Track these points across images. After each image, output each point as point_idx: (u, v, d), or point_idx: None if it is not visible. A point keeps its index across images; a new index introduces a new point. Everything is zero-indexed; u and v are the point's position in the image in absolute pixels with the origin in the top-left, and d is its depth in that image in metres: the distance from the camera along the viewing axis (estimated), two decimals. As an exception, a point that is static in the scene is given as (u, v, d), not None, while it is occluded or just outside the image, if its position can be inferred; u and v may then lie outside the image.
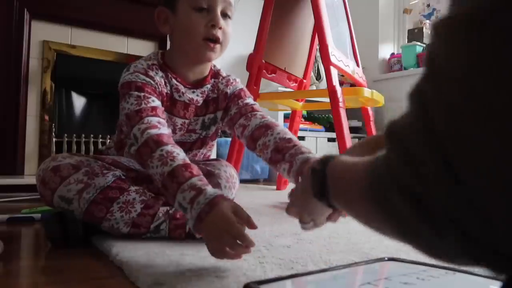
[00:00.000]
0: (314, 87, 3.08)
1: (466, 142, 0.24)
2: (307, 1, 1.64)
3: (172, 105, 0.96)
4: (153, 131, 0.79)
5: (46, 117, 2.10)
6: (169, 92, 0.95)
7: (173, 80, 0.96)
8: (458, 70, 0.25)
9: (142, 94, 0.86)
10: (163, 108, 0.90)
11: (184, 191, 0.71)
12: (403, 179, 0.28)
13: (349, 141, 1.49)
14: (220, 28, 0.91)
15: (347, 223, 1.13)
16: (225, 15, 0.93)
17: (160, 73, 0.94)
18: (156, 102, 0.87)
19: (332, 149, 3.05)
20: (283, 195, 1.74)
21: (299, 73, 2.05)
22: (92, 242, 0.86)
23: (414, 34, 3.11)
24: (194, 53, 0.94)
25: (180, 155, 0.78)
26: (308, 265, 0.70)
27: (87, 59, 2.20)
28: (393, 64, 3.23)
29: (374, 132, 1.95)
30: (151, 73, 0.91)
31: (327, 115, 3.16)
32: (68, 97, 2.25)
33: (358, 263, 0.65)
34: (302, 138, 2.85)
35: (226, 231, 0.64)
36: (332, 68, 1.46)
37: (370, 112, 2.01)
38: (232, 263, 0.69)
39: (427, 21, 3.16)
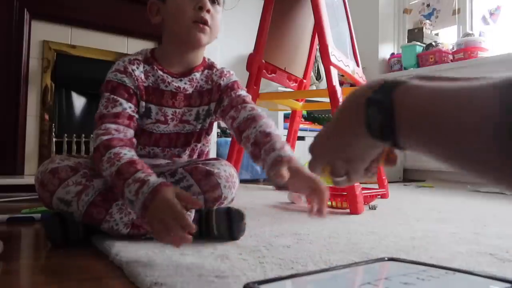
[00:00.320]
0: (314, 87, 3.08)
1: None
2: (307, 1, 1.64)
3: (159, 95, 0.97)
4: (105, 137, 0.83)
5: (46, 117, 2.10)
6: (152, 84, 0.97)
7: (159, 71, 0.97)
8: None
9: (112, 97, 0.90)
10: (129, 110, 0.91)
11: (130, 185, 0.75)
12: None
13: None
14: (208, 11, 0.93)
15: (347, 223, 1.14)
16: (213, 0, 0.96)
17: (142, 67, 0.96)
18: (123, 106, 0.90)
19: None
20: (283, 195, 1.74)
21: (299, 73, 2.05)
22: (92, 242, 0.86)
23: (414, 34, 3.11)
24: (185, 36, 0.95)
25: (127, 154, 0.81)
26: (308, 265, 0.70)
27: (87, 59, 2.20)
28: (393, 64, 3.23)
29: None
30: (130, 69, 0.94)
31: (327, 115, 3.15)
32: (68, 97, 2.24)
33: (358, 263, 0.65)
34: (302, 138, 2.85)
35: (167, 214, 0.69)
36: (332, 68, 1.46)
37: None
38: (232, 263, 0.69)
39: (427, 21, 3.16)
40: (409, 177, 3.04)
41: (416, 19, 3.26)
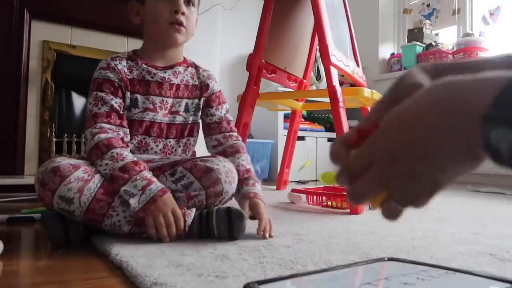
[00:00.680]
0: (314, 87, 3.08)
1: None
2: (307, 1, 1.64)
3: (146, 86, 1.04)
4: (103, 136, 0.93)
5: (46, 117, 2.10)
6: (137, 76, 1.04)
7: (143, 65, 1.05)
8: None
9: (100, 95, 0.98)
10: (117, 106, 0.99)
11: (136, 181, 0.86)
12: None
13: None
14: (183, 13, 1.02)
15: (347, 223, 1.14)
16: (188, 2, 1.04)
17: (125, 62, 1.04)
18: (111, 103, 0.98)
19: (332, 149, 3.04)
20: (283, 195, 1.74)
21: (299, 73, 2.05)
22: (92, 242, 0.86)
23: (414, 34, 3.11)
24: (162, 37, 1.04)
25: (129, 156, 0.92)
26: (308, 265, 0.70)
27: (87, 59, 2.20)
28: (393, 64, 3.23)
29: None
30: (113, 64, 1.02)
31: (327, 115, 3.15)
32: (68, 97, 2.24)
33: (358, 263, 0.65)
34: (302, 138, 2.85)
35: (172, 210, 0.86)
36: (332, 68, 1.46)
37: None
38: (232, 263, 0.69)
39: (427, 21, 3.16)
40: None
41: (416, 19, 3.26)
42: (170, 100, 1.07)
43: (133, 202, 0.85)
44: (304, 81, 2.09)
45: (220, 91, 1.16)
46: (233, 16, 3.03)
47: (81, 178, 0.86)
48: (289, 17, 1.89)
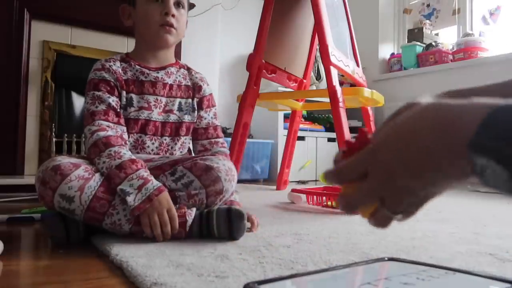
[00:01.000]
0: (314, 87, 3.08)
1: None
2: (307, 1, 1.64)
3: (140, 85, 1.06)
4: (102, 133, 0.94)
5: (46, 117, 2.10)
6: (131, 77, 1.06)
7: (137, 66, 1.08)
8: None
9: (96, 94, 1.00)
10: (114, 104, 1.00)
11: (132, 180, 0.87)
12: None
13: (349, 141, 1.48)
14: (173, 16, 1.04)
15: (347, 223, 1.14)
16: (178, 4, 1.06)
17: (119, 63, 1.06)
18: (108, 101, 1.00)
19: (332, 149, 3.05)
20: (283, 195, 1.74)
21: (299, 73, 2.05)
22: (92, 242, 0.86)
23: (414, 34, 3.11)
24: (154, 38, 1.06)
25: (127, 154, 0.92)
26: (308, 265, 0.70)
27: (87, 59, 2.20)
28: (393, 64, 3.23)
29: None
30: (108, 65, 1.04)
31: (327, 115, 3.15)
32: (68, 97, 2.25)
33: (358, 263, 0.65)
34: (302, 138, 2.85)
35: (168, 210, 0.86)
36: (332, 68, 1.46)
37: (370, 112, 2.01)
38: (232, 263, 0.69)
39: (427, 21, 3.16)
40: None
41: (416, 19, 3.26)
42: (164, 99, 1.08)
43: (129, 200, 0.85)
44: (304, 81, 2.09)
45: (211, 94, 1.18)
46: (233, 16, 3.03)
47: (82, 177, 0.86)
48: (289, 17, 1.89)
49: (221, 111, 1.21)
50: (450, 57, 2.86)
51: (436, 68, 2.84)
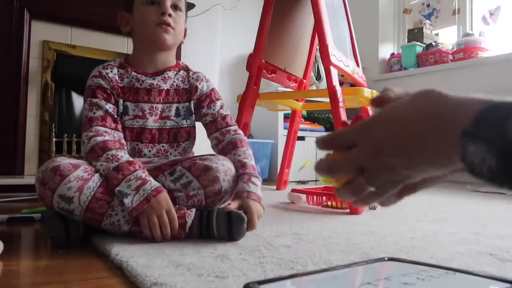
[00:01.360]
0: (314, 87, 3.08)
1: None
2: (307, 1, 1.64)
3: (135, 93, 1.06)
4: (99, 138, 0.94)
5: (46, 117, 2.10)
6: (127, 84, 1.06)
7: (133, 73, 1.07)
8: None
9: (94, 101, 1.01)
10: (111, 110, 1.01)
11: (130, 181, 0.87)
12: None
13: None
14: (170, 15, 1.04)
15: (347, 223, 1.14)
16: (175, 7, 1.06)
17: (116, 70, 1.06)
18: (105, 107, 1.01)
19: (332, 149, 3.04)
20: (283, 195, 1.74)
21: (299, 73, 2.05)
22: (92, 242, 0.86)
23: (414, 34, 3.11)
24: (151, 38, 1.05)
25: (124, 156, 0.92)
26: (308, 265, 0.70)
27: (87, 59, 2.20)
28: (393, 64, 3.23)
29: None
30: (104, 72, 1.04)
31: (327, 115, 3.15)
32: (68, 97, 2.24)
33: (358, 263, 0.65)
34: (302, 138, 2.85)
35: (167, 211, 0.86)
36: (332, 68, 1.46)
37: (370, 112, 2.01)
38: (232, 263, 0.69)
39: (427, 21, 3.16)
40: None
41: (416, 19, 3.26)
42: (160, 106, 1.08)
43: (127, 201, 0.85)
44: (304, 81, 2.09)
45: (212, 89, 1.15)
46: (233, 16, 3.03)
47: (81, 177, 0.86)
48: (289, 17, 1.89)
49: (222, 97, 1.19)
50: (450, 57, 2.87)
51: (436, 68, 2.84)
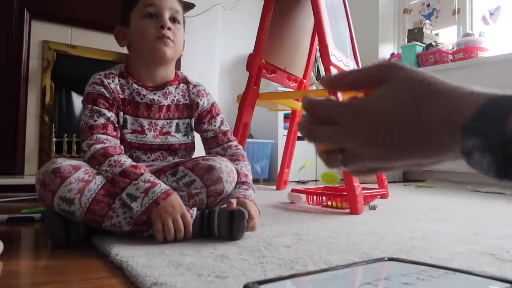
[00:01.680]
0: (314, 87, 3.08)
1: None
2: (307, 1, 1.64)
3: (135, 107, 1.04)
4: (99, 146, 0.93)
5: (46, 117, 2.10)
6: (128, 96, 1.04)
7: (134, 85, 1.05)
8: None
9: (95, 108, 0.98)
10: (113, 119, 0.99)
11: (138, 184, 0.86)
12: None
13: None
14: (169, 29, 1.02)
15: (347, 223, 1.14)
16: (174, 20, 1.04)
17: (117, 80, 1.04)
18: (107, 115, 0.98)
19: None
20: (283, 195, 1.74)
21: (299, 73, 2.05)
22: (92, 242, 0.86)
23: (414, 34, 3.11)
24: (150, 52, 1.03)
25: (127, 161, 0.91)
26: (308, 265, 0.70)
27: (87, 59, 2.20)
28: (393, 64, 3.23)
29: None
30: (106, 82, 1.01)
31: (327, 115, 3.15)
32: (68, 97, 2.25)
33: (358, 263, 0.65)
34: (302, 138, 2.84)
35: (181, 215, 0.85)
36: (332, 68, 1.46)
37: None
38: (232, 263, 0.69)
39: (427, 21, 3.16)
40: (409, 177, 3.04)
41: (416, 19, 3.27)
42: (160, 122, 1.06)
43: (135, 205, 0.84)
44: (304, 81, 2.09)
45: (212, 104, 1.14)
46: (233, 16, 3.03)
47: (82, 179, 0.86)
48: (289, 17, 1.89)
49: (221, 111, 1.19)
50: (450, 57, 2.87)
51: (436, 68, 2.84)
